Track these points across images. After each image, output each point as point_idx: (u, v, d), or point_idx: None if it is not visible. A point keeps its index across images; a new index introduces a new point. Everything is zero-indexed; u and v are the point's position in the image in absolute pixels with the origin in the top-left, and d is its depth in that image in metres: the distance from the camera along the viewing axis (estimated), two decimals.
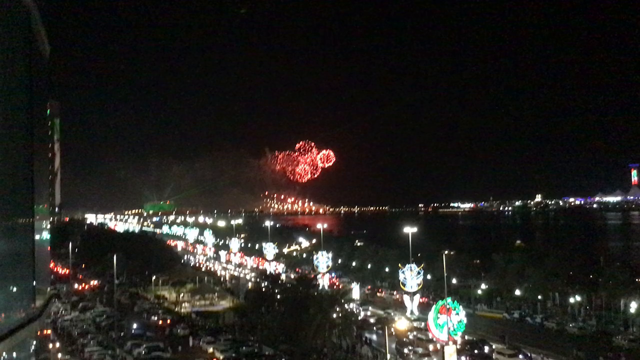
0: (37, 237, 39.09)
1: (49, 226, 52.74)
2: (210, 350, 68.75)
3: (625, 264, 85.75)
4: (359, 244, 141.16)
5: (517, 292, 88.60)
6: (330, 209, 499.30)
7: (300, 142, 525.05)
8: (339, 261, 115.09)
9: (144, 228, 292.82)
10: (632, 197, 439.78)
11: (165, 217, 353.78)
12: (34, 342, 37.88)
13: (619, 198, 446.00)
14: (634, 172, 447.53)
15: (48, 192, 61.72)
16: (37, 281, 37.83)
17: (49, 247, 52.31)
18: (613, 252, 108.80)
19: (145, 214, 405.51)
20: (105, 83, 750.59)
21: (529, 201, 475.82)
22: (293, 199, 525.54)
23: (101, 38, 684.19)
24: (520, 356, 62.49)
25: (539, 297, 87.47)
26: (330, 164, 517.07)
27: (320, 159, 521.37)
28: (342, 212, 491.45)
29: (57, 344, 72.09)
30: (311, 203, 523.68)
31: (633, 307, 75.68)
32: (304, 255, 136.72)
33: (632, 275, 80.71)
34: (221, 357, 65.30)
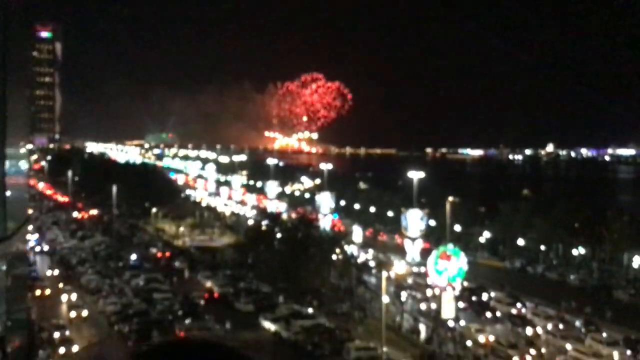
0: (8, 162, 37.94)
1: (24, 151, 51.56)
2: (208, 284, 68.63)
3: (633, 218, 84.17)
4: (363, 186, 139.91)
5: (521, 242, 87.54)
6: (336, 150, 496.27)
7: (308, 75, 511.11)
8: (342, 203, 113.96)
9: (145, 159, 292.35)
10: None
11: (167, 149, 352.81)
12: (6, 262, 37.83)
13: (632, 151, 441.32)
14: None
15: (26, 117, 60.11)
16: (8, 205, 37.20)
17: (25, 174, 51.58)
18: (622, 206, 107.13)
19: (146, 145, 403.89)
20: (108, 8, 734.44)
21: (540, 150, 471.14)
22: (298, 137, 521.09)
23: None
24: (518, 304, 62.01)
25: (543, 247, 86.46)
26: (347, 101, 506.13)
27: (334, 94, 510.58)
28: (347, 152, 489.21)
29: (56, 271, 72.14)
30: (316, 144, 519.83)
31: (636, 261, 74.62)
32: (307, 196, 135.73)
33: (638, 230, 79.31)
34: (218, 291, 65.19)
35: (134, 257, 78.30)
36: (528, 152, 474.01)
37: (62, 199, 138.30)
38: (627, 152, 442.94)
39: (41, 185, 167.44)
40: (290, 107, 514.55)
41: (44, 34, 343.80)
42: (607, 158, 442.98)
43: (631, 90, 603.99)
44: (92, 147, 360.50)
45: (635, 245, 76.85)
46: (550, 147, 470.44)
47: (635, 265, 75.00)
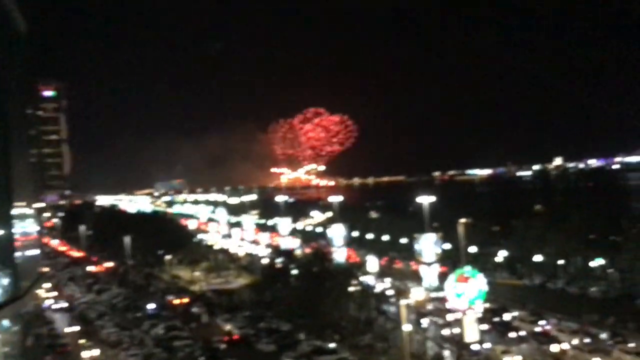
0: (18, 223, 38.63)
1: (32, 212, 52.30)
2: (228, 327, 68.34)
3: None
4: (374, 215, 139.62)
5: (539, 258, 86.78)
6: (345, 181, 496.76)
7: (309, 109, 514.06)
8: (355, 233, 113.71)
9: (155, 207, 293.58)
10: None
11: (176, 195, 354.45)
12: (23, 321, 38.19)
13: None
14: None
15: (33, 176, 61.17)
16: (19, 266, 37.78)
17: (35, 233, 52.21)
18: (635, 214, 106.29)
19: (156, 193, 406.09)
20: (111, 63, 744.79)
21: (547, 164, 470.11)
22: (305, 170, 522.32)
23: (102, 12, 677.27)
24: (542, 322, 61.30)
25: (561, 261, 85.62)
26: (350, 133, 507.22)
27: (338, 126, 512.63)
28: (356, 183, 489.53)
29: (75, 327, 72.07)
30: (324, 177, 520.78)
31: None
32: (319, 229, 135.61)
33: None
34: (238, 333, 64.85)
35: (151, 306, 78.19)
36: (536, 167, 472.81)
37: (76, 254, 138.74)
38: (635, 159, 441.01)
39: (55, 242, 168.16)
40: (294, 143, 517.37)
41: (48, 93, 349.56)
42: (615, 167, 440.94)
43: (635, 97, 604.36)
44: (103, 200, 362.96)
45: None
46: (558, 161, 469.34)
47: None
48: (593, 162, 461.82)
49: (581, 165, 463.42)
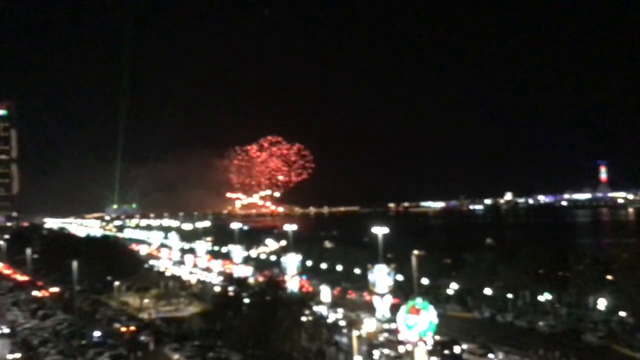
0: None
1: None
2: (176, 357, 66.84)
3: (595, 261, 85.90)
4: (328, 245, 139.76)
5: (489, 291, 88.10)
6: (300, 210, 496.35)
7: (267, 138, 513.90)
8: (309, 263, 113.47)
9: (105, 232, 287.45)
10: (600, 194, 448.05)
11: (128, 220, 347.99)
12: None
13: (587, 195, 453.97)
14: (602, 170, 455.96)
15: None
16: None
17: None
18: (582, 250, 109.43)
19: (107, 218, 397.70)
20: (64, 83, 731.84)
21: (499, 199, 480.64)
22: (262, 200, 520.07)
23: (56, 31, 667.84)
24: (491, 355, 61.97)
25: (510, 295, 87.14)
26: (307, 163, 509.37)
27: (295, 156, 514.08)
28: (311, 212, 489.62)
29: (17, 355, 69.43)
30: (279, 204, 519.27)
31: (601, 303, 75.67)
32: (273, 258, 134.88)
33: (600, 272, 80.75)
34: None
35: (97, 333, 75.91)
36: (488, 201, 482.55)
37: (21, 278, 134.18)
38: (583, 196, 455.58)
39: None
40: (250, 171, 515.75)
41: None
42: (564, 203, 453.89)
43: (583, 136, 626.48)
44: (51, 223, 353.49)
45: (598, 287, 78.04)
46: (508, 196, 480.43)
47: (600, 307, 75.92)
48: (542, 198, 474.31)
49: (531, 201, 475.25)
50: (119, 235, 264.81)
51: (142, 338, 75.31)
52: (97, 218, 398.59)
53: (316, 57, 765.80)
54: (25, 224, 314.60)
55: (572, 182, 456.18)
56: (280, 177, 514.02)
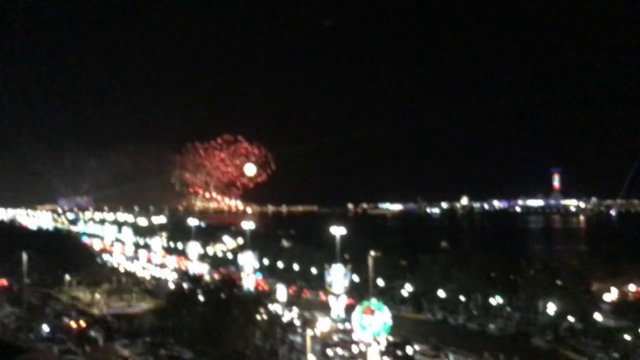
0: None
1: None
2: (126, 353, 65.74)
3: (545, 266, 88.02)
4: (286, 244, 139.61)
5: (442, 294, 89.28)
6: (258, 208, 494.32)
7: (225, 136, 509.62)
8: (265, 261, 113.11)
9: (58, 225, 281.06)
10: (553, 202, 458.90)
11: (81, 213, 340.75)
12: None
13: (540, 202, 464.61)
14: (555, 177, 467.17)
15: None
16: None
17: None
18: (533, 255, 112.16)
19: (59, 210, 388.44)
20: (13, 67, 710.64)
21: (455, 203, 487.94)
22: (219, 197, 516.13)
23: (14, 15, 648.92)
24: (442, 356, 62.92)
25: (462, 298, 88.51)
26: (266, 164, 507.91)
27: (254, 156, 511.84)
28: (269, 211, 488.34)
29: None
30: (238, 201, 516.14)
31: (551, 308, 77.54)
32: (230, 256, 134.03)
33: (550, 277, 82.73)
34: None
35: (46, 328, 74.19)
36: (444, 205, 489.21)
37: None
38: (536, 202, 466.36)
39: None
40: (208, 168, 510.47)
41: None
42: (517, 209, 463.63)
43: (538, 142, 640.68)
44: (1, 214, 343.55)
45: (548, 292, 79.89)
46: (464, 200, 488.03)
47: (550, 311, 77.80)
48: (497, 204, 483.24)
49: (486, 206, 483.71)
50: (72, 228, 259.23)
51: (92, 334, 73.97)
52: (49, 210, 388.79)
53: (277, 54, 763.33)
54: None
55: (526, 188, 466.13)
56: (238, 177, 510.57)
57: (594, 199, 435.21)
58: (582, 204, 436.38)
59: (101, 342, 70.08)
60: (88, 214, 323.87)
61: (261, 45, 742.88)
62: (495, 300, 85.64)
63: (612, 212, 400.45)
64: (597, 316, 70.44)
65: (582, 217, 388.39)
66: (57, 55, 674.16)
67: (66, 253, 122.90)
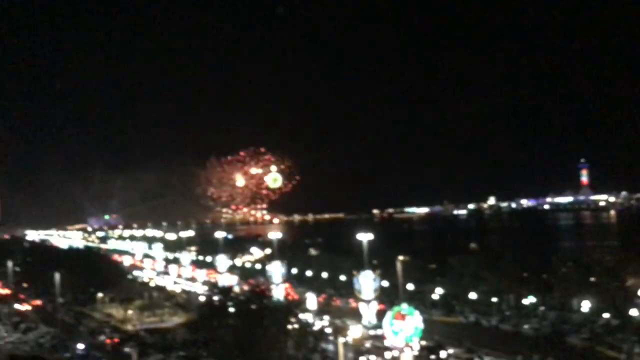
0: None
1: None
2: None
3: (578, 263, 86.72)
4: (313, 252, 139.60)
5: (473, 296, 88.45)
6: (284, 218, 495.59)
7: (250, 149, 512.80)
8: (294, 270, 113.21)
9: (88, 243, 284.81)
10: (582, 198, 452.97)
11: (111, 231, 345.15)
12: None
13: (569, 199, 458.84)
14: (583, 173, 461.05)
15: None
16: None
17: None
18: (565, 252, 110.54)
19: (89, 229, 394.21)
20: (43, 92, 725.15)
21: (482, 204, 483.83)
22: (245, 209, 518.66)
23: (36, 36, 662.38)
24: (476, 359, 62.24)
25: (495, 299, 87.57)
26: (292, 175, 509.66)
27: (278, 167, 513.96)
28: (295, 220, 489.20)
29: None
30: (264, 212, 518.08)
31: (586, 306, 76.28)
32: (258, 266, 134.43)
33: (583, 275, 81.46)
34: None
35: (81, 346, 75.14)
36: (471, 206, 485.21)
37: (2, 291, 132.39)
38: (565, 199, 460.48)
39: None
40: (233, 182, 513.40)
41: None
42: (546, 207, 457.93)
43: (565, 139, 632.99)
44: (33, 235, 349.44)
45: (582, 289, 78.68)
46: (491, 200, 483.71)
47: (584, 309, 76.53)
48: (525, 202, 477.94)
49: (513, 205, 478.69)
50: (102, 246, 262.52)
51: (126, 349, 74.66)
52: (79, 229, 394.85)
53: (296, 64, 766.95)
54: (6, 236, 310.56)
55: (554, 185, 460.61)
56: (264, 189, 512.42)
57: (624, 193, 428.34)
58: (612, 199, 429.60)
59: (135, 358, 70.62)
60: (117, 232, 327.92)
61: (281, 57, 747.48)
62: (528, 300, 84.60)
63: None
64: (633, 312, 69.08)
65: (612, 212, 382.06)
66: (85, 80, 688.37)
67: (97, 271, 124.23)
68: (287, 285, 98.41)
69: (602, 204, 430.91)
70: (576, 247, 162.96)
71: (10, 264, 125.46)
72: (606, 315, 73.89)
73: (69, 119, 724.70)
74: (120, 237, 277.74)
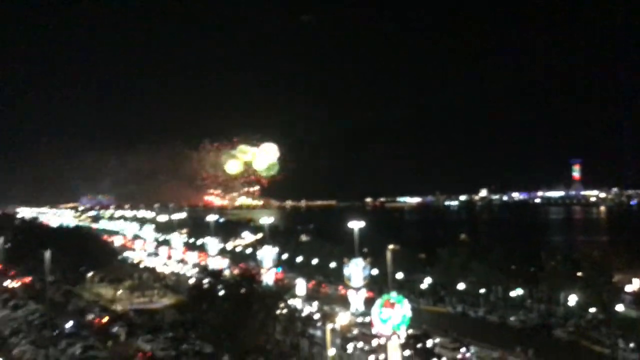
0: None
1: None
2: (148, 348, 66.50)
3: (566, 257, 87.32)
4: (305, 238, 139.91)
5: (462, 286, 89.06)
6: (276, 203, 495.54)
7: (242, 135, 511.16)
8: (284, 256, 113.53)
9: (79, 222, 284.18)
10: (573, 192, 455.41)
11: (102, 210, 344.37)
12: None
13: (561, 193, 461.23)
14: (575, 168, 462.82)
15: None
16: None
17: None
18: (555, 246, 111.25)
19: (81, 208, 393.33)
20: (37, 70, 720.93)
21: (474, 196, 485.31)
22: (238, 193, 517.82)
23: (30, 17, 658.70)
24: (462, 349, 62.79)
25: (482, 290, 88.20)
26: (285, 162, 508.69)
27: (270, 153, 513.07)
28: (288, 205, 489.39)
29: None
30: (256, 197, 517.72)
31: (572, 300, 76.98)
32: (249, 251, 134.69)
33: (572, 269, 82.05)
34: (160, 355, 63.26)
35: (69, 324, 75.25)
36: (463, 198, 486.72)
37: None
38: (556, 193, 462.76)
39: None
40: (226, 167, 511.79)
41: None
42: (537, 200, 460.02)
43: (558, 134, 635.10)
44: (24, 212, 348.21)
45: (569, 283, 79.30)
46: (483, 192, 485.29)
47: (571, 303, 77.25)
48: (516, 195, 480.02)
49: (505, 198, 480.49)
50: (93, 226, 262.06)
51: (115, 329, 74.90)
52: (71, 208, 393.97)
53: (293, 49, 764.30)
54: None
55: (546, 179, 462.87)
56: (256, 174, 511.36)
57: (614, 189, 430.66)
58: (602, 195, 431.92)
59: (123, 338, 70.98)
60: (109, 212, 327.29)
61: (279, 43, 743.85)
62: (516, 293, 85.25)
63: (633, 202, 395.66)
64: (619, 307, 69.78)
65: (602, 208, 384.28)
66: (79, 58, 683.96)
67: (88, 250, 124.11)
68: (277, 270, 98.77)
69: (592, 199, 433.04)
70: (565, 241, 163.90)
71: (0, 240, 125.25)
72: (592, 309, 74.58)
73: (64, 97, 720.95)
74: (112, 217, 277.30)
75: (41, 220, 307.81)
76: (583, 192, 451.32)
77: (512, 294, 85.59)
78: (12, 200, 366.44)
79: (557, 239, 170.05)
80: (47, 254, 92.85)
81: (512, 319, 78.52)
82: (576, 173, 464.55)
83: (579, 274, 79.48)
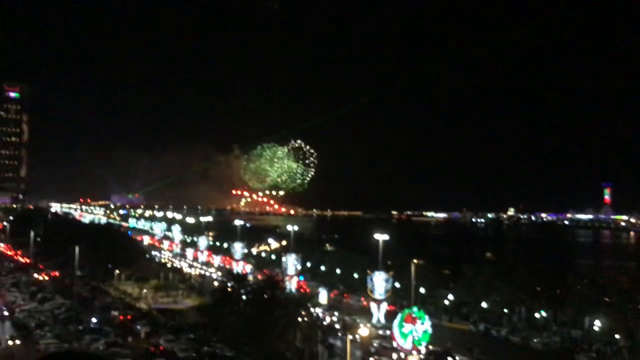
0: None
1: None
2: (169, 347, 67.25)
3: (593, 281, 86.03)
4: (329, 247, 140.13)
5: (485, 305, 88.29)
6: (303, 211, 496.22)
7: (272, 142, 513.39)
8: (308, 264, 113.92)
9: (110, 220, 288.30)
10: (603, 216, 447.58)
11: (132, 210, 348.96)
12: None
13: (590, 216, 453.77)
14: (607, 191, 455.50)
15: None
16: None
17: None
18: (581, 270, 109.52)
19: (112, 206, 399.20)
20: (76, 70, 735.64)
21: (501, 214, 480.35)
22: (265, 199, 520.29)
23: (71, 20, 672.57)
24: None
25: (506, 310, 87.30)
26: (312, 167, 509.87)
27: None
28: (314, 214, 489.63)
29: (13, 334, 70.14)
30: (283, 204, 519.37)
31: (597, 325, 75.87)
32: (273, 257, 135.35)
33: (598, 294, 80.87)
34: (181, 356, 63.97)
35: (94, 320, 76.55)
36: (490, 215, 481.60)
37: (23, 260, 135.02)
38: (585, 216, 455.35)
39: (1, 246, 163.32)
40: (255, 172, 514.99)
41: (12, 94, 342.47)
42: (566, 222, 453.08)
43: (590, 157, 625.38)
44: (57, 207, 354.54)
45: (595, 308, 78.14)
46: (511, 211, 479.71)
47: (596, 328, 76.10)
48: (545, 216, 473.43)
49: (533, 218, 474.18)
50: (123, 224, 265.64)
51: (138, 327, 75.88)
52: (102, 206, 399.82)
53: (326, 61, 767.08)
54: (31, 206, 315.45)
55: (576, 202, 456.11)
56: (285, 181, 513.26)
57: None
58: (632, 219, 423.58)
59: (143, 335, 71.91)
60: (139, 211, 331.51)
61: (313, 51, 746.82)
62: (540, 315, 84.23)
63: None
64: None
65: (632, 233, 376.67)
66: (119, 60, 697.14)
67: (117, 248, 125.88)
68: (299, 278, 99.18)
69: (622, 223, 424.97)
70: (592, 265, 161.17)
71: (32, 234, 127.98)
72: (617, 336, 73.34)
73: (101, 97, 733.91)
74: (141, 217, 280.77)
75: (73, 215, 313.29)
76: (613, 216, 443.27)
77: (536, 315, 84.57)
78: (45, 196, 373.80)
79: (583, 262, 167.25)
80: (77, 250, 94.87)
81: (535, 340, 77.50)
82: (607, 196, 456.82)
83: (606, 299, 78.32)
